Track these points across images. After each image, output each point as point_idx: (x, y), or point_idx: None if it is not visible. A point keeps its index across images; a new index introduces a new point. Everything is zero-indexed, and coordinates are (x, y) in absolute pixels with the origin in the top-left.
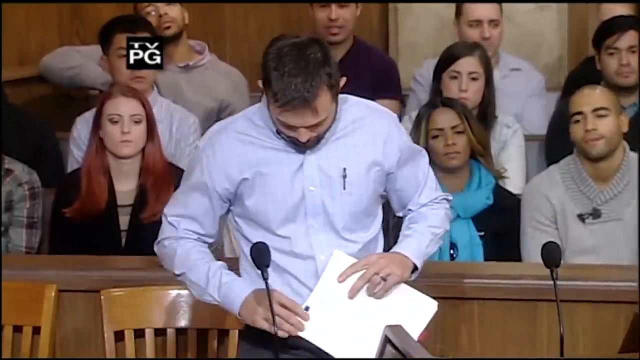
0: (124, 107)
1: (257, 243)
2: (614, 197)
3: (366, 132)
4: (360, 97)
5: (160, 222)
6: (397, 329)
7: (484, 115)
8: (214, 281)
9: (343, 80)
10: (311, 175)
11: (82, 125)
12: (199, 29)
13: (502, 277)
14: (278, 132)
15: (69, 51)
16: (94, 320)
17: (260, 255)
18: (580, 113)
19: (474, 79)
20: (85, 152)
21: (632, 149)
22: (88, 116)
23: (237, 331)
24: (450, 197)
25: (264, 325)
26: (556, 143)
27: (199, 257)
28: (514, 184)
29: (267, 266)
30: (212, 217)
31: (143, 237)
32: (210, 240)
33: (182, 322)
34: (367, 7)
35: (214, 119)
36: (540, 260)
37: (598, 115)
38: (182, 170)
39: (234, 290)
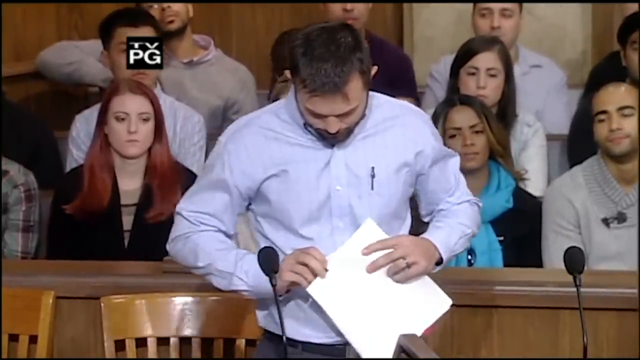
0: (132, 104)
1: (265, 248)
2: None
3: (397, 132)
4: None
5: (166, 223)
6: (412, 338)
7: (503, 113)
8: (241, 264)
9: (374, 69)
10: (338, 174)
11: (82, 124)
12: (203, 22)
13: (522, 284)
14: (305, 126)
15: (68, 46)
16: (93, 328)
17: (269, 261)
18: (604, 112)
19: (492, 75)
20: (88, 147)
21: None
22: (87, 114)
23: (243, 340)
24: (481, 204)
25: (292, 277)
26: (579, 143)
27: (224, 246)
28: (535, 186)
29: (276, 272)
30: (231, 214)
31: (147, 238)
32: (229, 239)
33: (186, 331)
34: (379, 2)
35: (220, 118)
36: (563, 266)
37: (623, 114)
38: (189, 170)
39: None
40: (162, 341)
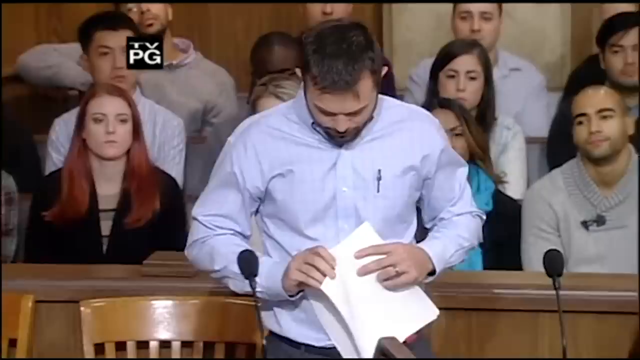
0: (109, 105)
1: (243, 251)
2: (619, 203)
3: (405, 136)
4: None
5: (145, 228)
6: (393, 341)
7: (483, 116)
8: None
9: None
10: (344, 175)
11: (61, 128)
12: (182, 25)
13: (501, 287)
14: (313, 125)
15: (47, 49)
16: (73, 332)
17: (248, 264)
18: (584, 114)
19: (472, 78)
20: (67, 153)
21: (638, 151)
22: (67, 118)
23: (223, 344)
24: (484, 216)
25: (299, 276)
26: (558, 146)
27: (239, 249)
28: (514, 189)
29: (255, 276)
30: (244, 214)
31: (125, 243)
32: (246, 239)
33: (166, 335)
34: (359, 3)
35: (199, 121)
36: (542, 269)
37: (602, 116)
38: (167, 175)
39: (277, 270)
40: (142, 345)
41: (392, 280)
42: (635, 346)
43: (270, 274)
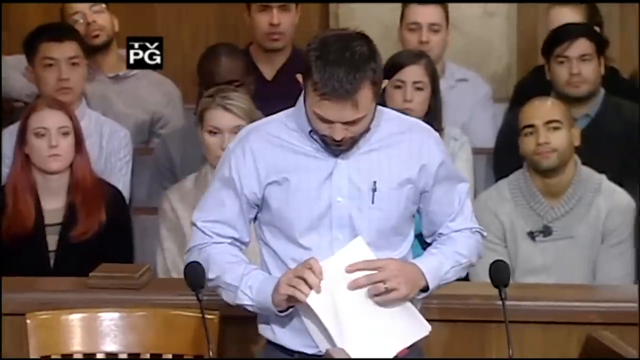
0: (50, 119)
1: (190, 263)
2: (565, 214)
3: (403, 147)
4: None
5: (91, 241)
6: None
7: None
8: (247, 279)
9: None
10: (339, 186)
11: (7, 140)
12: (129, 36)
13: (448, 297)
14: (311, 133)
15: None
16: (19, 345)
17: (194, 276)
18: (531, 126)
19: (419, 88)
20: (9, 169)
21: (584, 163)
22: (13, 129)
23: (170, 355)
24: (485, 233)
25: (288, 290)
26: (505, 156)
27: (234, 260)
28: None
29: (202, 287)
30: (243, 220)
31: (73, 257)
32: (244, 246)
33: (113, 347)
34: (306, 13)
35: (146, 132)
36: (488, 280)
37: (550, 128)
38: (112, 186)
39: (267, 285)
40: (89, 357)
41: (381, 296)
42: (582, 357)
43: (261, 289)
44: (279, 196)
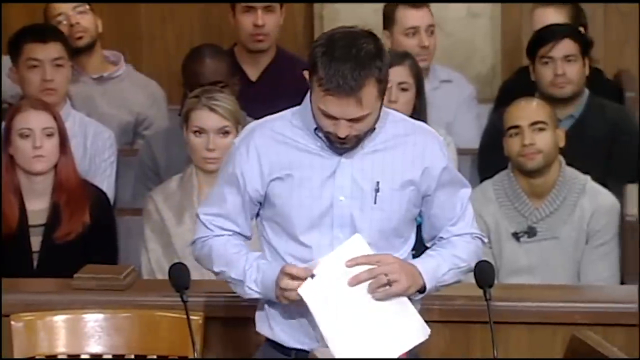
0: (35, 120)
1: (175, 264)
2: (550, 215)
3: (407, 150)
4: (284, 108)
5: (75, 242)
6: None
7: None
8: (251, 273)
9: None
10: (342, 185)
11: None
12: (113, 38)
13: (432, 298)
14: (316, 131)
15: None
16: (3, 346)
17: (179, 278)
18: (516, 127)
19: (404, 89)
20: None
21: (568, 164)
22: None
23: (155, 357)
24: (486, 239)
25: (283, 300)
26: (489, 157)
27: (235, 250)
28: None
29: (187, 288)
30: (244, 217)
31: (56, 258)
32: (247, 239)
33: (97, 348)
34: (291, 15)
35: (131, 133)
36: (473, 280)
37: (536, 129)
38: (97, 187)
39: (268, 276)
40: (73, 358)
41: (384, 290)
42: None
43: (264, 281)
44: (282, 192)
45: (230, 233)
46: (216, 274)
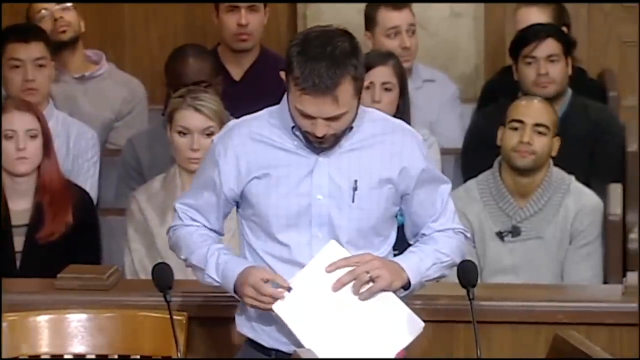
0: (18, 121)
1: (158, 264)
2: (534, 214)
3: (385, 148)
4: (266, 107)
5: (58, 242)
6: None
7: None
8: (212, 261)
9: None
10: (320, 184)
11: None
12: (96, 38)
13: (415, 298)
14: (293, 130)
15: None
16: None
17: (162, 278)
18: (520, 121)
19: (387, 89)
20: None
21: (555, 164)
22: None
23: (138, 356)
24: (469, 234)
25: (249, 303)
26: (472, 157)
27: (201, 239)
28: None
29: (170, 288)
30: (216, 215)
31: (39, 258)
32: (218, 236)
33: (81, 348)
34: (274, 14)
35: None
36: (457, 280)
37: (537, 131)
38: (80, 188)
39: (230, 268)
40: (57, 358)
41: (368, 289)
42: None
43: (224, 271)
44: (259, 192)
45: (200, 225)
46: (184, 261)
